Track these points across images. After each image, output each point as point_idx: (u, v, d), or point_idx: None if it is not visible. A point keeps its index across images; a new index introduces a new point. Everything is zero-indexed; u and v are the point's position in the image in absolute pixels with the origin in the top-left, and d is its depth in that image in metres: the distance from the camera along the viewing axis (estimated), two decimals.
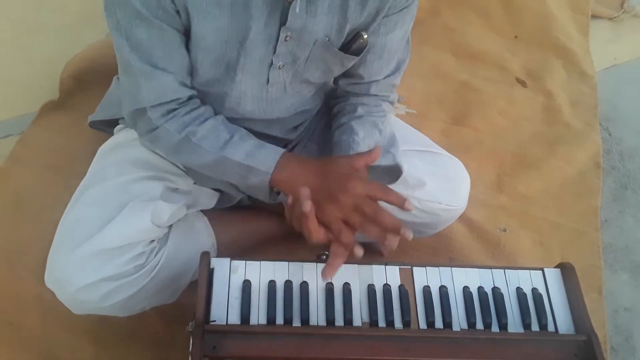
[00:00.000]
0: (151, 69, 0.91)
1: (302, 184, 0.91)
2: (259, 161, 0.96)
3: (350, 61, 1.03)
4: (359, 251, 0.88)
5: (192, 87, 0.99)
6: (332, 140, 1.10)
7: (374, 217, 0.88)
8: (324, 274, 0.91)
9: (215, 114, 1.02)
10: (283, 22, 0.89)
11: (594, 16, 2.16)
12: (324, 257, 0.97)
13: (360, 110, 1.11)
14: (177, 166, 1.12)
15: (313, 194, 0.89)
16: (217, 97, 1.01)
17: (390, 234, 0.87)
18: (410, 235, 0.87)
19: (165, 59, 0.91)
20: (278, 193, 1.01)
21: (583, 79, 1.92)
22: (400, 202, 0.89)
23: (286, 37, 0.92)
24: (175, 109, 0.96)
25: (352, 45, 0.99)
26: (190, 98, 0.98)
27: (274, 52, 0.94)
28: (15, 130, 1.56)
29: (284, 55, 0.95)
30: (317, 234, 0.89)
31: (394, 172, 1.09)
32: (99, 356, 1.19)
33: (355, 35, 0.98)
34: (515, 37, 2.00)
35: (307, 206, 0.87)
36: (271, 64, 0.96)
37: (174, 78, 0.94)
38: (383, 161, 1.07)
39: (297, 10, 0.88)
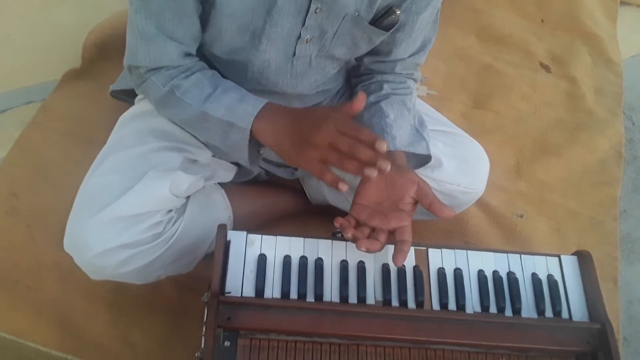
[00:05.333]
0: (155, 33, 0.91)
1: (282, 133, 0.89)
2: (239, 116, 0.93)
3: (379, 37, 1.01)
4: (343, 186, 0.84)
5: (214, 56, 0.98)
6: (361, 121, 1.09)
7: (350, 153, 0.82)
8: (395, 260, 0.90)
9: (238, 83, 1.00)
10: None
11: (622, 2, 2.12)
12: (339, 234, 0.98)
13: (386, 88, 1.10)
14: (196, 138, 1.12)
15: (291, 141, 0.88)
16: (241, 66, 1.01)
17: (368, 167, 0.81)
18: (387, 166, 0.80)
19: (174, 22, 0.91)
20: (259, 152, 0.99)
21: (609, 66, 1.88)
22: (372, 140, 0.82)
23: (316, 9, 0.91)
24: (164, 67, 0.97)
25: (383, 20, 0.97)
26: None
27: (303, 24, 0.93)
28: (37, 97, 1.57)
29: (312, 28, 0.94)
30: (373, 248, 0.90)
31: (422, 157, 1.09)
32: (114, 322, 1.21)
33: (388, 11, 0.96)
34: (542, 21, 1.97)
35: (349, 236, 0.90)
36: (299, 36, 0.95)
37: (177, 47, 0.93)
38: (418, 149, 1.06)
39: None
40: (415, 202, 0.95)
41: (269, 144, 0.93)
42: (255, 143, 0.96)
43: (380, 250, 0.91)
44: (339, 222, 0.92)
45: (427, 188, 0.95)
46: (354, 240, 0.90)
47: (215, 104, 0.95)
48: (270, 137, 0.92)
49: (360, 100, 0.84)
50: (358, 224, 0.94)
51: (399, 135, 1.04)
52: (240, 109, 0.93)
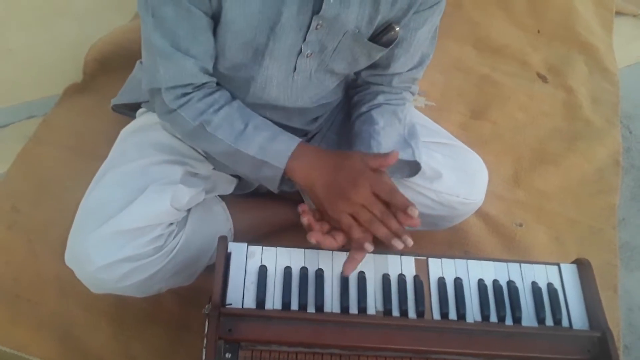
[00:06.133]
0: (171, 50, 0.91)
1: (316, 177, 0.94)
2: (272, 156, 0.96)
3: (378, 52, 1.02)
4: (369, 247, 0.90)
5: (216, 72, 0.99)
6: (353, 129, 1.10)
7: (381, 219, 0.90)
8: (345, 269, 0.93)
9: (234, 98, 1.02)
10: (316, 10, 0.89)
11: (618, 13, 2.14)
12: None
13: (380, 98, 1.11)
14: (197, 151, 1.13)
15: (325, 188, 0.93)
16: (243, 81, 1.02)
17: (395, 238, 0.90)
18: (410, 243, 0.90)
19: (188, 40, 0.91)
20: (289, 183, 1.02)
21: (605, 76, 1.90)
22: (404, 206, 0.90)
23: (317, 25, 0.92)
24: (189, 93, 0.96)
25: (382, 36, 0.98)
26: (205, 83, 0.98)
27: (304, 39, 0.94)
28: (39, 112, 1.59)
29: (313, 44, 0.95)
30: (325, 243, 0.93)
31: (413, 166, 1.10)
32: (115, 336, 1.21)
33: (387, 27, 0.97)
34: (538, 31, 1.99)
35: (305, 221, 0.94)
36: (300, 51, 0.96)
37: (194, 62, 0.93)
38: (403, 155, 1.06)
39: (332, 0, 0.88)
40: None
41: (300, 183, 0.98)
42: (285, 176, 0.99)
43: (335, 248, 0.94)
44: (302, 207, 0.94)
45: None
46: (309, 229, 0.93)
47: (247, 142, 0.97)
48: (303, 177, 0.97)
49: (393, 157, 0.92)
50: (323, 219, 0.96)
51: (384, 142, 1.05)
52: (273, 149, 0.97)
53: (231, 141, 0.97)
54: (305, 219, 0.93)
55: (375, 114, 1.09)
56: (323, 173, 0.95)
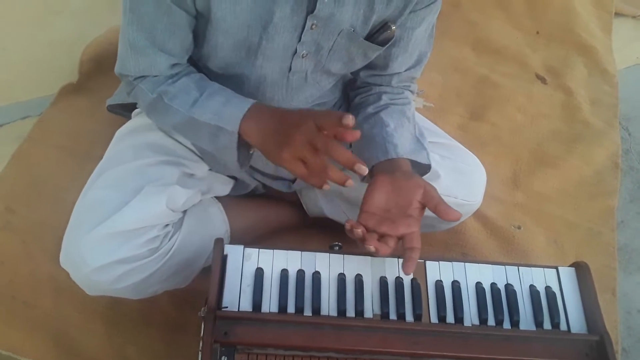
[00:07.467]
0: (145, 44, 0.93)
1: (266, 134, 0.89)
2: (226, 120, 0.92)
3: (375, 52, 1.02)
4: (326, 186, 0.85)
5: (209, 71, 0.99)
6: (361, 132, 1.08)
7: (326, 151, 0.82)
8: (405, 268, 0.90)
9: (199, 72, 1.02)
10: (310, 10, 0.89)
11: (617, 14, 2.14)
12: (337, 247, 0.98)
13: (385, 99, 1.10)
14: (193, 152, 1.12)
15: (272, 138, 0.88)
16: (237, 80, 1.01)
17: (357, 163, 0.83)
18: (365, 170, 0.83)
19: (165, 35, 0.92)
20: (249, 152, 0.99)
21: (604, 77, 1.89)
22: (343, 121, 0.80)
23: (312, 25, 0.91)
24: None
25: (378, 35, 0.98)
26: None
27: (299, 40, 0.93)
28: (34, 112, 1.58)
29: (308, 44, 0.95)
30: (382, 250, 0.89)
31: (422, 167, 1.08)
32: (110, 338, 1.21)
33: (383, 26, 0.97)
34: (537, 32, 1.98)
35: (359, 233, 0.88)
36: (295, 52, 0.96)
37: (167, 59, 0.95)
38: (419, 158, 1.04)
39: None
40: (423, 207, 0.94)
41: (255, 144, 0.93)
42: (244, 144, 0.95)
43: (388, 254, 0.90)
44: (349, 223, 0.90)
45: (433, 191, 0.93)
46: (363, 240, 0.88)
47: (201, 108, 0.95)
48: (256, 137, 0.91)
49: (349, 119, 0.80)
50: (367, 231, 0.92)
51: (400, 143, 1.03)
52: (226, 113, 0.93)
53: (186, 110, 0.96)
54: (360, 231, 0.88)
55: (384, 116, 1.07)
56: (273, 126, 0.89)
